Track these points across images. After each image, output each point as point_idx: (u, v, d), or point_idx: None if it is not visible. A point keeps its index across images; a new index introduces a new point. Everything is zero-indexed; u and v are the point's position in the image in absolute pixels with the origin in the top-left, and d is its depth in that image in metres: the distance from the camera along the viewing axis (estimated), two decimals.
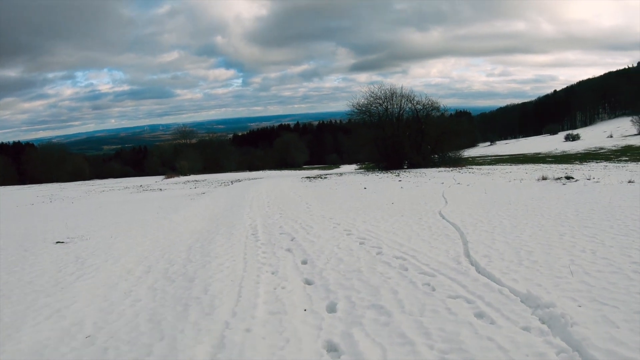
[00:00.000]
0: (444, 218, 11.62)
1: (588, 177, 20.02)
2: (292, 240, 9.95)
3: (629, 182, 17.45)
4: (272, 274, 7.29)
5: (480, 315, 5.14)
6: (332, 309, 5.68)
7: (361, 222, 11.88)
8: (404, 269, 7.02)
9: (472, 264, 7.10)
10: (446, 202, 14.76)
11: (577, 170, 28.45)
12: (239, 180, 39.67)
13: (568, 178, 19.75)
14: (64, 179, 73.41)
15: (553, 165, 36.97)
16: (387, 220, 11.95)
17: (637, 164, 35.85)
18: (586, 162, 42.29)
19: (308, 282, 6.79)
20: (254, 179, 42.14)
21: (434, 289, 6.04)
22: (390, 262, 7.44)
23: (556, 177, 20.74)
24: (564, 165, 37.68)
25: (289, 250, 8.95)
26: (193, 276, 7.36)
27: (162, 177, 62.36)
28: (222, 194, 24.85)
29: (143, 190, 35.10)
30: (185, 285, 6.94)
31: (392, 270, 7.02)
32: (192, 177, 56.83)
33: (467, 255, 7.67)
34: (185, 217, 15.64)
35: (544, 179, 20.39)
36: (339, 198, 18.52)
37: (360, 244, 9.12)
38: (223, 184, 36.41)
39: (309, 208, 15.73)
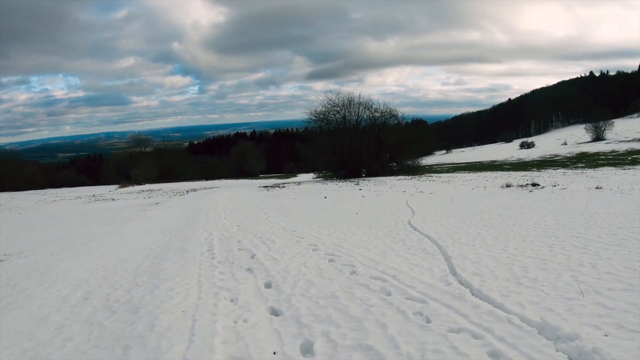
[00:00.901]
0: (415, 229, 10.83)
1: (554, 184, 19.67)
2: (252, 257, 8.90)
3: (597, 188, 17.24)
4: (232, 301, 6.18)
5: (495, 355, 4.18)
6: (308, 350, 4.56)
7: (326, 235, 11.00)
8: (386, 294, 6.05)
9: (464, 285, 6.17)
10: (413, 211, 14.14)
11: (537, 177, 28.44)
12: (195, 190, 38.69)
13: (534, 185, 19.46)
14: (17, 188, 70.81)
15: (512, 173, 37.11)
16: (354, 233, 11.07)
17: (595, 170, 36.30)
18: (543, 169, 42.65)
19: (275, 313, 5.70)
20: (210, 188, 41.14)
21: (429, 320, 5.06)
22: (368, 285, 6.45)
23: (520, 184, 20.59)
24: (522, 172, 37.84)
25: (249, 270, 7.88)
26: (138, 305, 6.23)
27: (116, 186, 60.35)
28: (176, 205, 23.96)
29: (95, 200, 33.65)
30: (128, 317, 5.80)
31: (373, 295, 6.03)
32: (147, 186, 55.26)
33: (454, 273, 6.79)
34: (137, 230, 14.66)
35: (508, 186, 20.13)
36: (300, 208, 17.74)
37: (330, 261, 8.15)
38: (178, 193, 35.52)
39: (268, 219, 14.81)
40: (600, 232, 8.91)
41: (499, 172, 39.93)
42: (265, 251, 9.39)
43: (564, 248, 7.82)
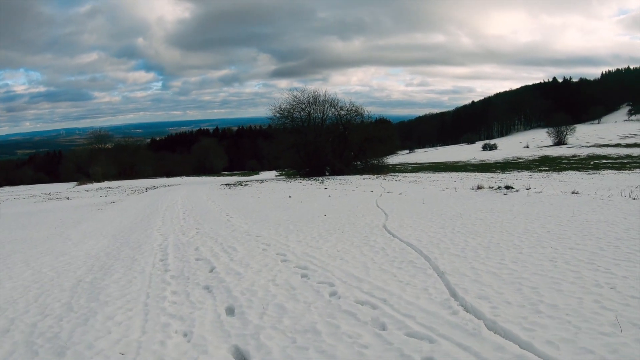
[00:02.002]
0: (394, 236, 9.78)
1: (527, 187, 18.88)
2: (211, 270, 7.66)
3: (573, 192, 16.58)
4: (184, 336, 4.82)
5: None
6: None
7: (295, 241, 9.87)
8: (380, 327, 4.84)
9: (471, 313, 5.04)
10: (386, 214, 13.25)
11: (505, 179, 28.19)
12: (154, 188, 37.96)
13: (507, 188, 18.82)
14: None
15: (477, 174, 37.04)
16: (327, 239, 9.95)
17: (560, 173, 36.46)
18: (508, 171, 43.00)
19: (241, 356, 4.43)
20: (171, 186, 40.44)
21: None
22: (355, 313, 5.23)
23: (491, 186, 20.07)
24: (487, 174, 38.03)
25: (207, 288, 6.62)
26: (67, 342, 4.79)
27: (74, 183, 59.65)
28: (133, 204, 22.88)
29: (50, 199, 32.43)
30: None
31: (364, 329, 4.80)
32: (106, 183, 54.39)
33: (456, 296, 5.68)
34: (85, 233, 13.38)
35: (480, 188, 19.59)
36: (264, 208, 16.78)
37: (303, 277, 6.97)
38: (137, 191, 34.58)
39: (229, 221, 13.77)
40: (599, 243, 8.06)
41: (464, 173, 40.17)
42: (227, 262, 8.20)
43: (568, 263, 6.88)
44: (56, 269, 8.65)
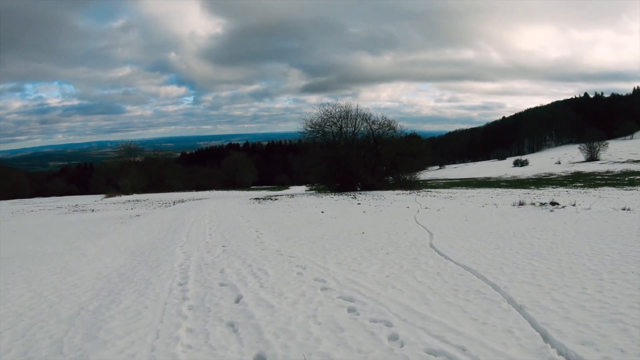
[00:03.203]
0: (447, 258, 8.64)
1: (573, 204, 17.86)
2: (238, 301, 6.43)
3: (624, 209, 15.63)
4: None
5: None
6: None
7: (335, 263, 8.69)
8: None
9: None
10: (429, 232, 12.14)
11: (542, 195, 27.29)
12: (183, 201, 37.27)
13: (553, 204, 17.82)
14: (1, 196, 69.74)
15: (512, 190, 35.88)
16: (370, 261, 8.77)
17: (596, 189, 35.16)
18: (542, 187, 41.58)
19: None
20: (199, 199, 39.70)
21: None
22: None
23: (534, 202, 19.24)
24: (521, 190, 36.66)
25: (232, 326, 5.39)
26: None
27: (102, 196, 59.32)
28: (159, 217, 21.87)
29: (75, 210, 31.77)
30: None
31: None
32: (135, 196, 53.93)
33: (549, 339, 4.46)
34: (103, 248, 12.37)
35: (522, 204, 18.57)
36: (295, 224, 15.70)
37: (351, 312, 5.74)
38: (164, 204, 33.83)
39: (259, 238, 12.70)
40: None
41: (498, 189, 38.99)
42: (256, 289, 6.98)
43: None
44: (59, 292, 7.60)
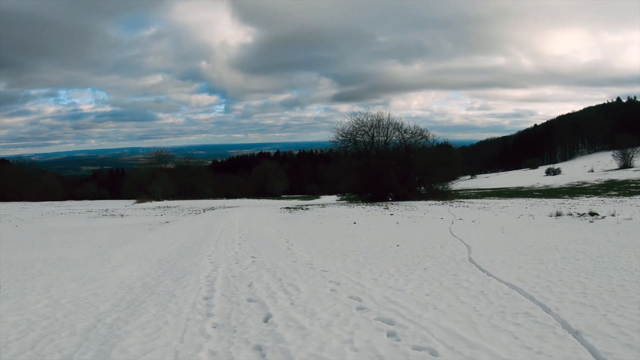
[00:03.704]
0: (490, 275, 8.06)
1: (612, 214, 17.52)
2: (266, 320, 5.88)
3: None
4: None
5: None
6: None
7: (370, 279, 8.13)
8: None
9: None
10: (467, 246, 11.56)
11: (577, 205, 27.10)
12: (213, 209, 37.19)
13: (592, 214, 17.24)
14: (34, 198, 71.23)
15: (545, 200, 35.65)
16: (408, 277, 8.21)
17: (632, 198, 35.18)
18: (576, 196, 41.41)
19: None
20: (229, 207, 39.66)
21: None
22: None
23: (571, 212, 18.98)
24: (555, 199, 36.54)
25: (259, 350, 4.82)
26: None
27: (133, 201, 60.25)
28: (187, 225, 21.66)
29: (104, 215, 31.72)
30: None
31: None
32: (165, 202, 54.55)
33: None
34: (129, 255, 12.00)
35: (559, 215, 18.11)
36: (327, 235, 15.33)
37: (391, 336, 5.15)
38: (194, 211, 33.84)
39: (290, 249, 12.29)
40: None
41: (531, 199, 38.85)
42: (287, 307, 6.43)
43: None
44: (77, 301, 7.15)
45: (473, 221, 18.13)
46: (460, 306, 6.21)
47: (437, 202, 34.37)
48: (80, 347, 5.03)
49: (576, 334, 4.89)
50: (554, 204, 28.94)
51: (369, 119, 43.15)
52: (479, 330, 5.16)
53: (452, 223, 17.70)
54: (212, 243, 13.92)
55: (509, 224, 16.32)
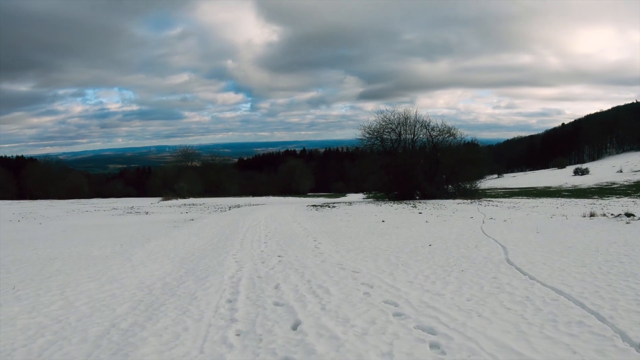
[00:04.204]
0: (532, 278, 7.53)
1: None
2: (295, 328, 5.37)
3: None
4: None
5: None
6: None
7: (405, 281, 7.63)
8: None
9: None
10: (503, 246, 11.06)
11: (608, 205, 26.92)
12: (238, 206, 36.79)
13: (628, 215, 16.63)
14: (61, 196, 72.66)
15: (575, 200, 34.99)
16: (445, 279, 7.72)
17: None
18: (605, 197, 40.56)
19: None
20: (255, 205, 39.18)
21: None
22: None
23: (605, 213, 18.51)
24: (585, 200, 35.95)
25: None
26: None
27: (159, 198, 60.40)
28: (212, 222, 21.17)
29: (129, 212, 31.57)
30: None
31: None
32: (191, 200, 54.56)
33: None
34: (151, 254, 11.63)
35: (593, 215, 17.55)
36: (356, 233, 14.92)
37: (434, 348, 4.62)
38: (220, 209, 33.39)
39: (318, 248, 11.85)
40: None
41: (560, 198, 38.09)
42: (317, 313, 5.92)
43: None
44: (93, 303, 6.76)
45: (504, 221, 17.66)
46: (506, 313, 5.69)
47: (465, 200, 33.88)
48: (90, 355, 4.59)
49: (639, 347, 4.38)
50: (584, 204, 28.57)
51: (395, 116, 42.44)
52: (531, 342, 4.64)
53: (483, 222, 17.28)
54: (237, 241, 13.59)
55: (542, 224, 15.86)
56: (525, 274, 7.84)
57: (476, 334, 4.88)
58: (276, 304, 6.45)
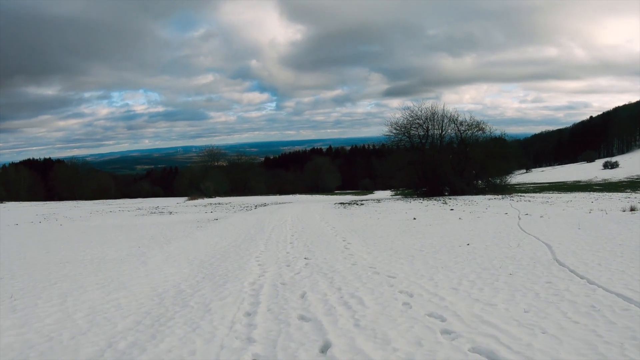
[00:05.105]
0: (593, 283, 6.59)
1: None
2: (324, 351, 4.40)
3: None
4: None
5: None
6: None
7: (448, 288, 6.73)
8: None
9: None
10: (547, 245, 10.22)
11: None
12: (265, 205, 36.17)
13: None
14: (88, 197, 73.38)
15: (609, 194, 33.55)
16: (493, 285, 6.81)
17: None
18: (639, 190, 39.22)
19: None
20: (282, 203, 38.71)
21: None
22: None
23: None
24: (619, 193, 34.52)
25: None
26: None
27: (185, 198, 60.21)
28: (237, 222, 20.57)
29: (152, 212, 31.03)
30: None
31: None
32: (217, 199, 54.25)
33: None
34: (169, 257, 10.91)
35: (633, 209, 16.89)
36: (387, 232, 14.15)
37: None
38: (246, 208, 32.84)
39: (348, 248, 11.07)
40: None
41: (593, 193, 36.78)
42: (350, 330, 4.96)
43: None
44: (94, 315, 5.95)
45: (541, 216, 16.89)
46: (575, 328, 4.74)
47: (495, 196, 33.18)
48: None
49: None
50: (619, 198, 27.65)
51: (423, 111, 41.65)
52: None
53: (519, 218, 16.58)
54: (261, 242, 12.92)
55: (582, 220, 15.07)
56: (582, 277, 6.95)
57: (547, 358, 3.97)
58: (302, 318, 5.54)
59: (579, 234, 11.69)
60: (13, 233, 18.52)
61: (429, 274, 7.71)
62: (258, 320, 5.45)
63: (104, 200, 62.66)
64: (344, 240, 12.55)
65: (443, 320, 5.21)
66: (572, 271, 7.41)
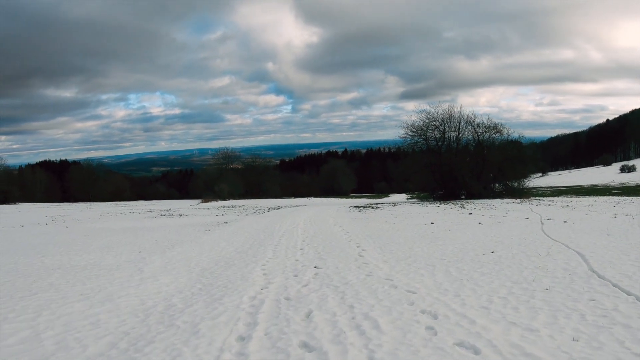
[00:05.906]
0: None
1: None
2: None
3: None
4: None
5: None
6: None
7: (478, 307, 5.80)
8: None
9: None
10: (579, 253, 9.51)
11: None
12: (278, 208, 35.95)
13: None
14: (103, 198, 74.22)
15: (630, 198, 32.10)
16: (530, 304, 5.85)
17: None
18: None
19: None
20: (296, 206, 38.29)
21: None
22: None
23: None
24: (638, 197, 33.05)
25: None
26: None
27: (199, 200, 60.35)
28: (247, 225, 19.91)
29: (162, 215, 30.54)
30: None
31: None
32: (231, 201, 54.47)
33: None
34: (168, 263, 10.17)
35: None
36: (404, 238, 13.36)
37: None
38: (258, 211, 32.33)
39: (362, 256, 10.26)
40: None
41: (612, 197, 35.59)
42: None
43: None
44: (65, 335, 5.18)
45: (565, 222, 16.19)
46: None
47: (514, 200, 32.45)
48: None
49: None
50: None
51: (439, 113, 40.90)
52: None
53: (542, 223, 15.95)
54: (270, 248, 12.17)
55: (610, 225, 14.51)
56: (629, 294, 6.09)
57: None
58: (304, 346, 4.61)
59: (610, 241, 11.10)
60: (14, 235, 18.03)
61: (453, 289, 6.79)
62: (251, 349, 4.55)
63: (117, 202, 62.83)
64: (358, 247, 11.78)
65: (477, 352, 4.30)
66: (615, 285, 6.60)
